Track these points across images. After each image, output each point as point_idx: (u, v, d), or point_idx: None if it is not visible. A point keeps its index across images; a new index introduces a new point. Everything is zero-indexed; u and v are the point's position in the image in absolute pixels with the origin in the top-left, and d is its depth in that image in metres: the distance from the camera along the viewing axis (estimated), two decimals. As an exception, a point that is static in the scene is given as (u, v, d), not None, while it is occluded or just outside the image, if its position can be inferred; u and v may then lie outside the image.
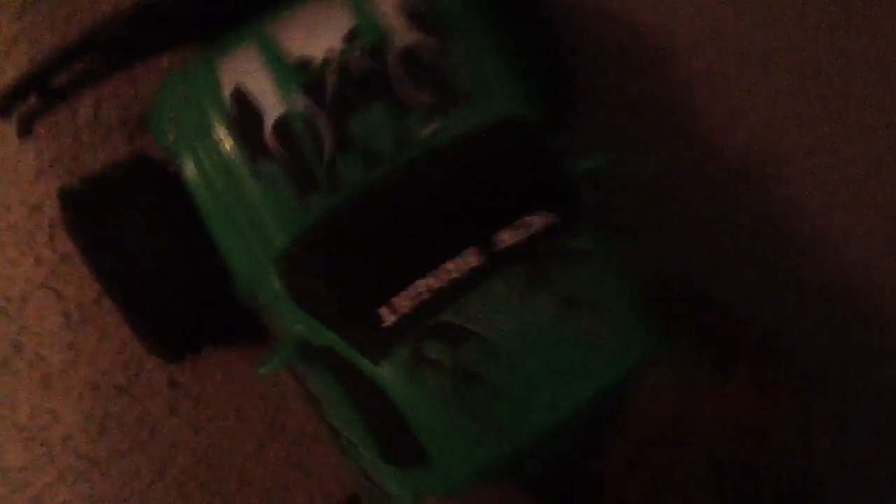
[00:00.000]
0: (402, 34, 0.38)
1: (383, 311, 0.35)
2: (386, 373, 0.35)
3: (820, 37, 0.55)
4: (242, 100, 0.37)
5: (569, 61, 0.45)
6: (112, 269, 0.40)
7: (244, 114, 0.37)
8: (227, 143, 0.37)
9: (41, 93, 0.42)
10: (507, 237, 0.36)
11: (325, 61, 0.37)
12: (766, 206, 0.55)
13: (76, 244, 0.42)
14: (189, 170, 0.38)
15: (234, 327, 0.45)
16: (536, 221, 0.37)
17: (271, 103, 0.37)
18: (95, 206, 0.41)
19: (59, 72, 0.41)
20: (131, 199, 0.40)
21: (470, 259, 0.36)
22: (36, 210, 0.48)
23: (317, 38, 0.38)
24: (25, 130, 0.44)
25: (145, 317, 0.41)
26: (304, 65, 0.37)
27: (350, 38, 0.38)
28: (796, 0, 0.55)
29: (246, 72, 0.37)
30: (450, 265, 0.36)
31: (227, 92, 0.37)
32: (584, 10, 0.52)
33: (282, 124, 0.37)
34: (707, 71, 0.54)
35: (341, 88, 0.37)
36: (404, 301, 0.35)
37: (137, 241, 0.40)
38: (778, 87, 0.55)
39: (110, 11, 0.45)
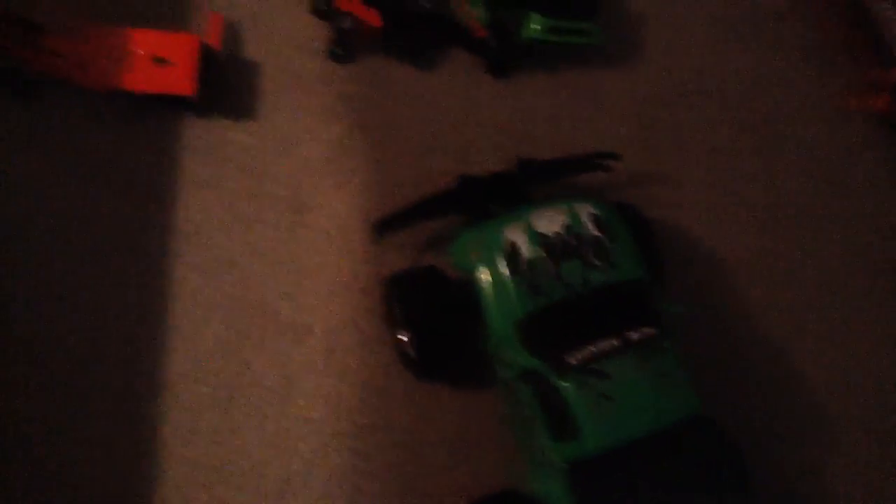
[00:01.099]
0: (591, 229, 0.79)
1: (569, 355, 0.73)
2: (566, 385, 0.72)
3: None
4: (514, 247, 0.77)
5: (660, 254, 0.86)
6: (413, 320, 0.79)
7: (512, 254, 0.77)
8: (502, 266, 0.77)
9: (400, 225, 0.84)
10: (632, 335, 0.75)
11: (555, 235, 0.78)
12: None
13: (389, 306, 0.82)
14: (482, 276, 0.77)
15: (469, 370, 0.82)
16: (646, 330, 0.75)
17: (526, 250, 0.77)
18: (406, 287, 0.81)
19: (420, 220, 0.82)
20: (425, 286, 0.80)
21: (613, 341, 0.74)
22: (356, 278, 0.88)
23: (552, 224, 0.79)
24: (380, 236, 0.85)
25: (426, 346, 0.79)
26: (544, 235, 0.78)
27: (567, 227, 0.79)
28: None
29: (516, 234, 0.78)
30: (603, 342, 0.74)
31: (506, 242, 0.77)
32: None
33: (530, 261, 0.77)
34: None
35: (560, 249, 0.77)
36: (580, 353, 0.73)
37: (427, 310, 0.80)
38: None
39: (442, 190, 0.86)
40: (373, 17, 0.93)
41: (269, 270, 0.87)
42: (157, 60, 0.85)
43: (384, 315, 0.85)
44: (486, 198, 0.86)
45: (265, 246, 0.88)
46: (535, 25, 0.95)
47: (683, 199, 0.98)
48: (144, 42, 0.85)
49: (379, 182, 0.93)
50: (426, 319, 0.80)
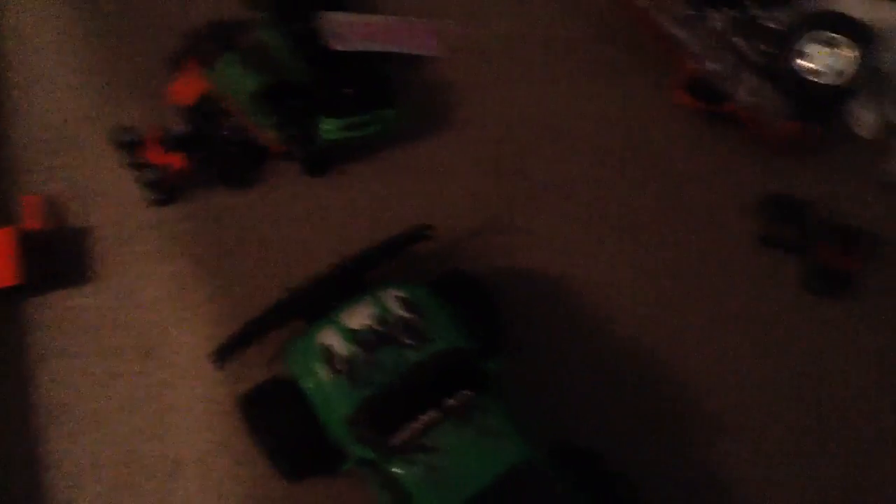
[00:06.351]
0: (399, 312, 0.85)
1: (393, 437, 0.78)
2: (393, 465, 0.78)
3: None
4: (328, 349, 0.83)
5: (494, 312, 0.92)
6: (266, 435, 0.85)
7: (328, 356, 0.83)
8: (321, 370, 0.83)
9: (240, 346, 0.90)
10: (449, 401, 0.80)
11: (364, 328, 0.84)
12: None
13: (246, 421, 0.87)
14: (305, 382, 0.83)
15: (324, 463, 0.88)
16: (464, 393, 0.81)
17: (339, 348, 0.83)
18: (253, 403, 0.87)
19: (256, 339, 0.88)
20: (275, 396, 0.86)
21: (433, 413, 0.80)
22: (216, 403, 0.94)
23: (361, 318, 0.85)
24: (221, 364, 0.91)
25: (283, 457, 0.85)
26: (353, 330, 0.84)
27: (375, 316, 0.85)
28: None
29: (330, 336, 0.84)
30: (424, 416, 0.79)
31: (320, 346, 0.83)
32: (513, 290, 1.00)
33: (346, 359, 0.83)
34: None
35: (372, 339, 0.83)
36: (403, 433, 0.79)
37: (279, 418, 0.85)
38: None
39: (274, 304, 0.92)
40: (177, 161, 1.00)
41: (132, 418, 0.93)
42: (-24, 258, 0.92)
43: (248, 430, 0.91)
44: (320, 300, 0.92)
45: (124, 396, 0.94)
46: (327, 127, 1.02)
47: (545, 238, 1.06)
48: (-39, 243, 0.92)
49: (222, 307, 0.99)
50: (274, 430, 0.86)
